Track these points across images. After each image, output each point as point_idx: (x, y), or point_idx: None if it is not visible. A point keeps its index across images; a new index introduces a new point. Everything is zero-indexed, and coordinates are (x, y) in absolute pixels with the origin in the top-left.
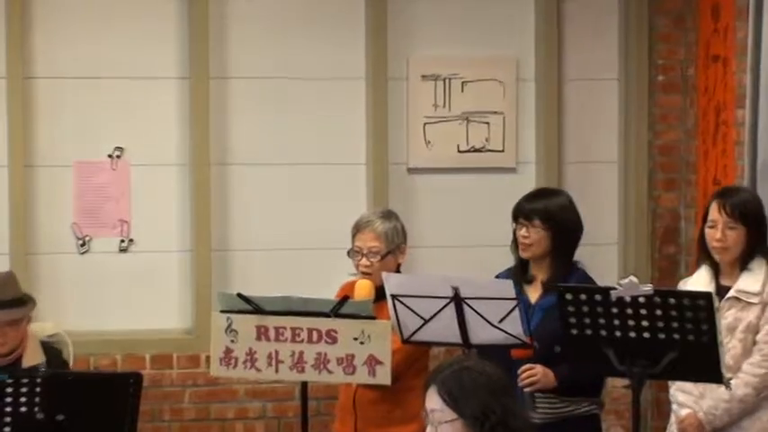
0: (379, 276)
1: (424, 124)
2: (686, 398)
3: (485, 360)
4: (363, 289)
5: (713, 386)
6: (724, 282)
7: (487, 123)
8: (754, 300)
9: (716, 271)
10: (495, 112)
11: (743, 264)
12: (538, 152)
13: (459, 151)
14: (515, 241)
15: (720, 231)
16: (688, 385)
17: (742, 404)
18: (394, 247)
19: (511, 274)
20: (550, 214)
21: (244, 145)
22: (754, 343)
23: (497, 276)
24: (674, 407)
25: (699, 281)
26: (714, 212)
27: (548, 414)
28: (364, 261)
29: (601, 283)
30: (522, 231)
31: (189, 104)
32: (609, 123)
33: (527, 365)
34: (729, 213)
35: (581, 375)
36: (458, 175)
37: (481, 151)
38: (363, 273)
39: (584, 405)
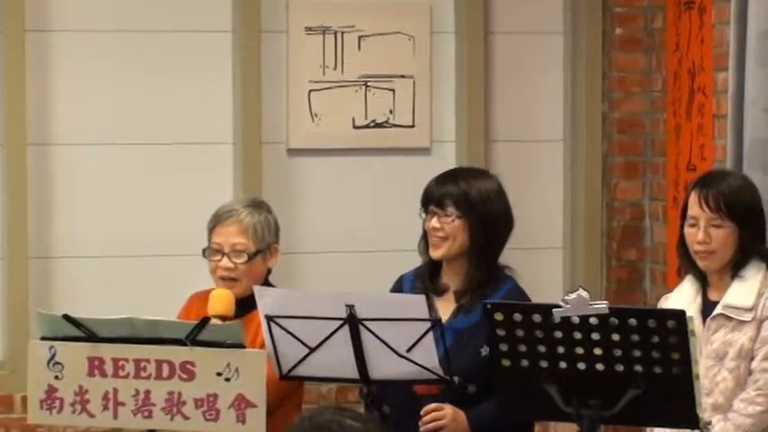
0: (246, 285)
1: (310, 91)
2: None
3: (347, 410)
4: (220, 302)
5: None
6: (713, 296)
7: (392, 90)
8: (746, 317)
9: (704, 283)
10: (403, 76)
11: (735, 271)
12: (459, 128)
13: (356, 127)
14: (425, 237)
15: (702, 231)
16: None
17: None
18: (264, 247)
19: (416, 279)
20: (469, 199)
21: (72, 119)
22: (750, 372)
23: (400, 279)
24: None
25: (680, 297)
26: (694, 207)
27: None
28: (225, 262)
29: (539, 299)
30: (433, 222)
31: None
32: (551, 91)
33: (433, 405)
34: (713, 207)
35: (505, 420)
36: (353, 157)
37: (384, 126)
38: (223, 278)
39: None
